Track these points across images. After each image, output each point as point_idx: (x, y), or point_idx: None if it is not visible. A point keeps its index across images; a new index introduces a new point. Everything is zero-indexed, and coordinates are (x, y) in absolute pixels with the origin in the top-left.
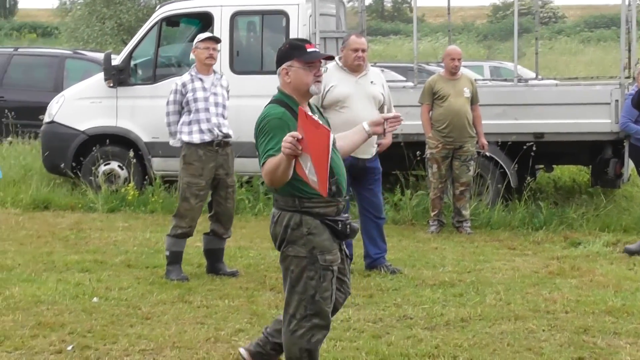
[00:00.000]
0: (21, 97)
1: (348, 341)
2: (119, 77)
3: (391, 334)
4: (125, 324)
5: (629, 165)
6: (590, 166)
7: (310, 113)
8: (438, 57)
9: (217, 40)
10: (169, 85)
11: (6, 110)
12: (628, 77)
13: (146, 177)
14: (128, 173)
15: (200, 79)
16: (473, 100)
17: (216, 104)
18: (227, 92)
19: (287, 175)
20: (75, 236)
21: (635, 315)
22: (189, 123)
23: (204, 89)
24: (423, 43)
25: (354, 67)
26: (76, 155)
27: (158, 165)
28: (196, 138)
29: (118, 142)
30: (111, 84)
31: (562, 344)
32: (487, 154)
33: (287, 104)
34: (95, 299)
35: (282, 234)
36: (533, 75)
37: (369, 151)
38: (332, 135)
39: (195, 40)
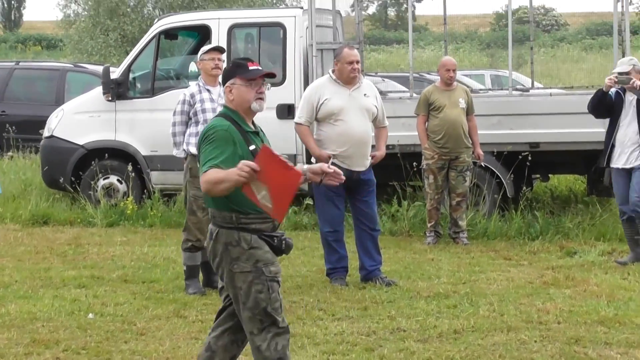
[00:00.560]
0: (22, 111)
1: (341, 355)
2: (118, 90)
3: (384, 347)
4: (120, 340)
5: None
6: (586, 175)
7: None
8: None
9: (221, 51)
10: (168, 98)
11: (7, 125)
12: None
13: (145, 190)
14: (127, 187)
15: (208, 90)
16: (468, 111)
17: None
18: None
19: (229, 191)
20: (74, 251)
21: (627, 325)
22: (197, 134)
23: (212, 100)
24: (426, 52)
25: (349, 80)
26: (75, 170)
27: (157, 178)
28: None
29: (117, 155)
30: (109, 98)
31: (554, 355)
32: (483, 164)
33: (232, 118)
34: (90, 315)
35: (222, 252)
36: (538, 84)
37: (363, 163)
38: (302, 177)
39: (200, 52)
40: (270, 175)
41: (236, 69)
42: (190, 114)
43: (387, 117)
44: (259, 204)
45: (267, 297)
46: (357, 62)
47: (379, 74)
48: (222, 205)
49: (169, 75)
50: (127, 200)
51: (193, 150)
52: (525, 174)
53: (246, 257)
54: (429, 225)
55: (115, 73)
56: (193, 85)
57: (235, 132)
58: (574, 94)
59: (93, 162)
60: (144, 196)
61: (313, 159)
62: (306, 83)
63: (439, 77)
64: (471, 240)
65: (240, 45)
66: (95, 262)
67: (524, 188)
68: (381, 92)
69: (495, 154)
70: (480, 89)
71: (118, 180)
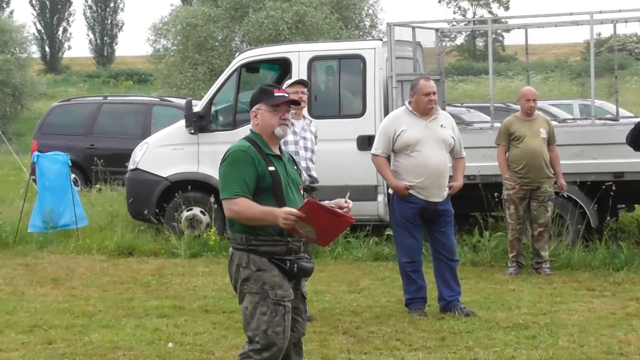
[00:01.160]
0: (110, 145)
1: None
2: (200, 123)
3: None
4: None
5: None
6: None
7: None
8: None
9: (305, 84)
10: (249, 131)
11: (95, 158)
12: None
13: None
14: (210, 218)
15: (292, 123)
16: (550, 141)
17: (305, 148)
18: (315, 137)
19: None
20: (157, 282)
21: None
22: None
23: (294, 133)
24: (515, 82)
25: (425, 111)
26: (159, 202)
27: None
28: None
29: (200, 187)
30: (192, 131)
31: None
32: (566, 194)
33: (254, 141)
34: (170, 345)
35: (234, 272)
36: (628, 113)
37: (440, 194)
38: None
39: (283, 85)
40: (317, 221)
41: (262, 95)
42: None
43: (468, 148)
44: (303, 235)
45: (269, 320)
46: (434, 93)
47: (464, 104)
48: (235, 227)
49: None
50: (210, 231)
51: None
52: (609, 204)
53: (254, 279)
54: (510, 255)
55: (198, 106)
56: None
57: (254, 153)
58: None
59: (177, 194)
60: (226, 227)
61: (390, 190)
62: (386, 114)
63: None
64: (554, 270)
65: (320, 78)
66: (178, 292)
67: (609, 218)
68: (466, 123)
69: (578, 184)
70: (567, 119)
71: (201, 211)
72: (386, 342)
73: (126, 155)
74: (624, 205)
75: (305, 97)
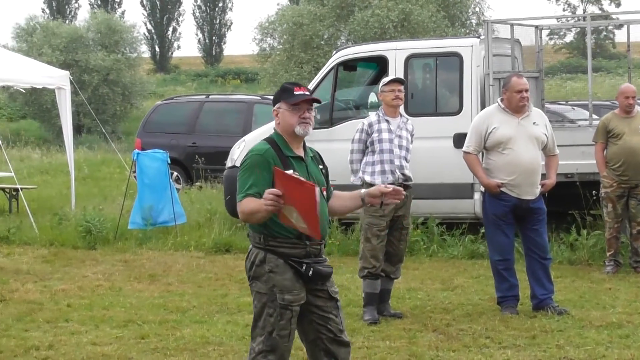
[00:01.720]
0: (211, 143)
1: None
2: None
3: None
4: None
5: None
6: None
7: (302, 157)
8: None
9: (402, 82)
10: (346, 129)
11: (196, 156)
12: None
13: None
14: None
15: (387, 121)
16: None
17: (400, 147)
18: (412, 136)
19: (264, 220)
20: None
21: None
22: (372, 163)
23: (390, 131)
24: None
25: (518, 109)
26: None
27: None
28: (378, 180)
29: None
30: None
31: None
32: None
33: (274, 142)
34: None
35: (248, 269)
36: None
37: (533, 192)
38: (317, 188)
39: (380, 83)
40: (291, 195)
41: (282, 94)
42: (367, 142)
43: (566, 146)
44: (297, 227)
45: (275, 322)
46: (526, 90)
47: (569, 102)
48: (254, 226)
49: (347, 106)
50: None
51: (368, 178)
52: None
53: (265, 279)
54: (608, 254)
55: None
56: (372, 115)
57: (272, 156)
58: None
59: None
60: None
61: (482, 188)
62: None
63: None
64: None
65: (417, 75)
66: None
67: None
68: (569, 121)
69: None
70: None
71: None
72: (475, 339)
73: (227, 153)
74: None
75: (402, 96)
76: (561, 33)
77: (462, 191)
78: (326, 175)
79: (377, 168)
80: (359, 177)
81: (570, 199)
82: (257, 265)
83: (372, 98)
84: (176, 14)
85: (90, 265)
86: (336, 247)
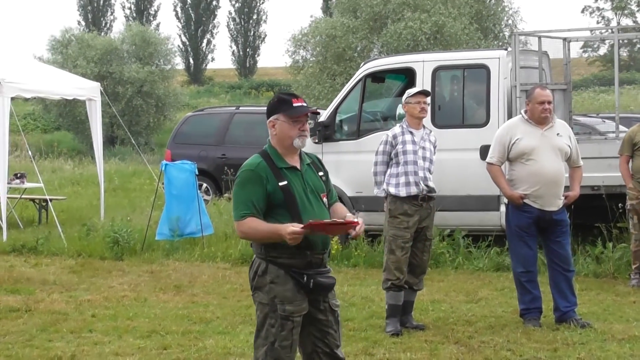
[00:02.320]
0: (241, 154)
1: None
2: (325, 132)
3: None
4: None
5: None
6: None
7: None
8: None
9: (427, 94)
10: (373, 140)
11: (226, 167)
12: None
13: None
14: None
15: (411, 132)
16: None
17: (424, 158)
18: (434, 147)
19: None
20: None
21: None
22: (397, 175)
23: (414, 143)
24: None
25: (541, 120)
26: None
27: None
28: (402, 192)
29: None
30: (316, 140)
31: None
32: None
33: (267, 154)
34: None
35: (251, 279)
36: None
37: (556, 203)
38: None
39: (405, 95)
40: (324, 229)
41: (280, 105)
42: (392, 154)
43: (592, 158)
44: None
45: (277, 333)
46: (549, 102)
47: (599, 115)
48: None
49: (374, 118)
50: (332, 240)
51: (393, 190)
52: None
53: (267, 290)
54: (633, 267)
55: (323, 116)
56: (397, 127)
57: (264, 170)
58: None
59: None
60: (348, 236)
61: (505, 200)
62: None
63: None
64: None
65: (444, 87)
66: None
67: None
68: (600, 134)
69: None
70: None
71: None
72: (497, 352)
73: None
74: None
75: (427, 107)
76: (595, 46)
77: (489, 203)
78: (326, 182)
79: (402, 180)
80: (382, 189)
81: (596, 212)
82: (259, 276)
83: (400, 110)
84: (210, 26)
85: (116, 276)
86: (362, 258)
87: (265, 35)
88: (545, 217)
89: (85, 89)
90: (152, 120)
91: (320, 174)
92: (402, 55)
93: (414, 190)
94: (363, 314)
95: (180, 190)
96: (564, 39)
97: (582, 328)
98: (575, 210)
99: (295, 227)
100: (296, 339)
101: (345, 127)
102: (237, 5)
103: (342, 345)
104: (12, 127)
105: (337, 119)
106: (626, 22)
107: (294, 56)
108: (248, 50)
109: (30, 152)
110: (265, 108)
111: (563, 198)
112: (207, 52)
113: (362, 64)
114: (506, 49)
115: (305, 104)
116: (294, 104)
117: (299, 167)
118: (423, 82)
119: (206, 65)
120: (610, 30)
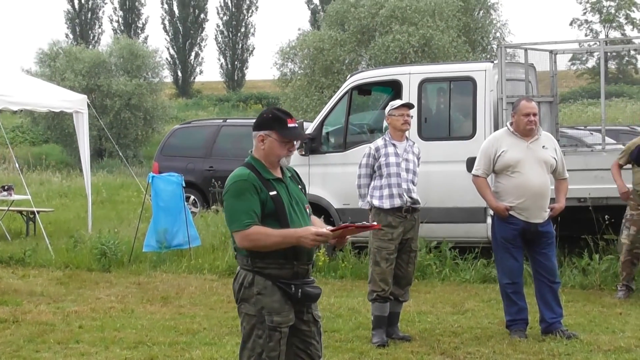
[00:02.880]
0: (229, 167)
1: None
2: (311, 145)
3: None
4: None
5: None
6: None
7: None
8: None
9: (410, 107)
10: (360, 153)
11: (213, 180)
12: None
13: None
14: None
15: (394, 145)
16: None
17: (407, 170)
18: (418, 159)
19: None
20: None
21: None
22: (380, 187)
23: (397, 155)
24: None
25: (526, 132)
26: None
27: None
28: (386, 204)
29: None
30: (303, 152)
31: None
32: None
33: (253, 167)
34: None
35: (237, 292)
36: None
37: (541, 215)
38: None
39: (388, 107)
40: (347, 232)
41: (274, 122)
42: (375, 167)
43: (579, 170)
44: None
45: (264, 344)
46: (534, 114)
47: (587, 127)
48: (243, 250)
49: (361, 130)
50: (319, 252)
51: (376, 203)
52: None
53: (253, 301)
54: (621, 278)
55: (309, 128)
56: (379, 140)
57: (255, 180)
58: None
59: None
60: (335, 248)
61: (491, 212)
62: None
63: None
64: None
65: (430, 99)
66: None
67: None
68: (588, 146)
69: None
70: None
71: None
72: None
73: None
74: None
75: (410, 120)
76: (583, 58)
77: (475, 215)
78: (305, 194)
79: (385, 192)
80: (367, 202)
81: (583, 224)
82: (245, 288)
83: (386, 122)
84: (198, 39)
85: (103, 288)
86: (349, 270)
87: (254, 48)
88: (530, 229)
89: (72, 102)
90: (140, 133)
91: (300, 186)
92: (388, 67)
93: (397, 202)
94: (349, 325)
95: (167, 203)
96: (551, 52)
97: (568, 339)
98: (562, 221)
99: (317, 229)
100: (283, 350)
101: (332, 140)
102: (225, 18)
103: (328, 356)
104: (0, 139)
105: (324, 131)
106: (614, 35)
107: (282, 69)
108: (236, 63)
109: (17, 165)
110: (253, 120)
111: (549, 210)
112: (195, 65)
113: (348, 77)
114: (492, 62)
115: (297, 126)
116: (289, 125)
117: (282, 179)
118: (409, 94)
119: (194, 78)
120: (597, 43)
